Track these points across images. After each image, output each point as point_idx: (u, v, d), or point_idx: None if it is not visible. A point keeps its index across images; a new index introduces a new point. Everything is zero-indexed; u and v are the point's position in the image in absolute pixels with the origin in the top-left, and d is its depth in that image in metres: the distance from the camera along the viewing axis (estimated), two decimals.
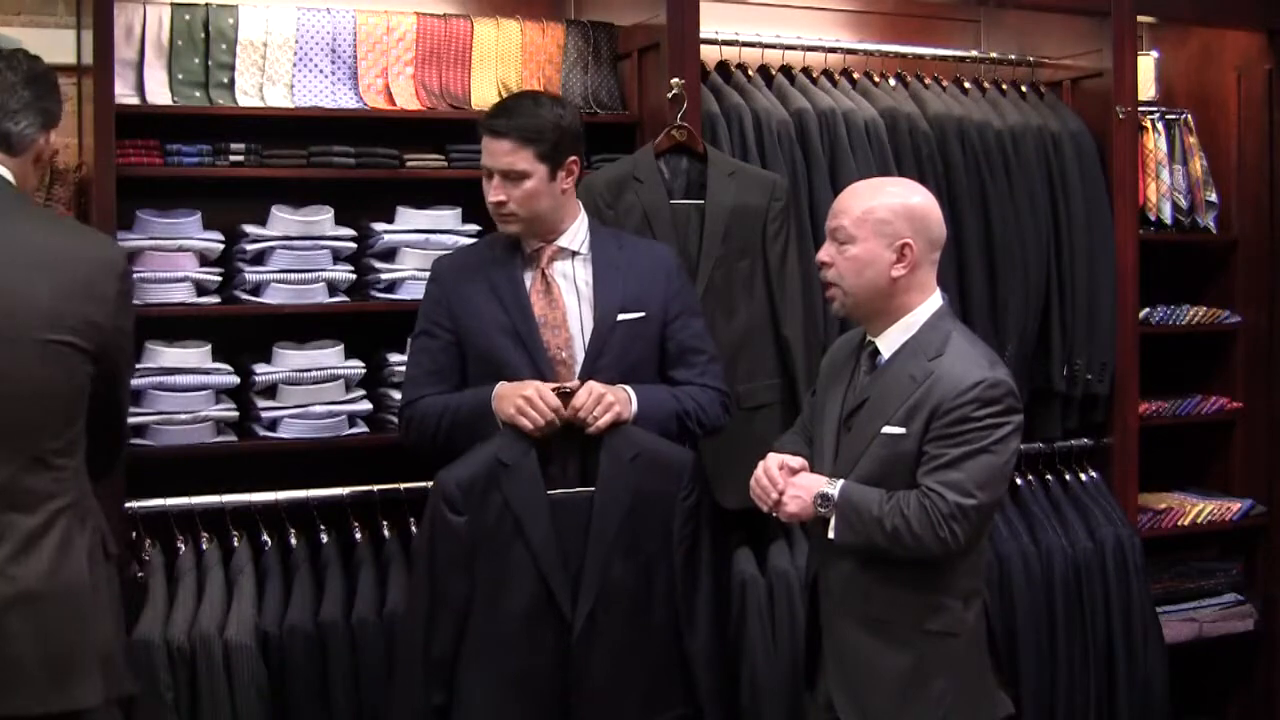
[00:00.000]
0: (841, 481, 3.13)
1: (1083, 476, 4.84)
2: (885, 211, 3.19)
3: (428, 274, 3.80)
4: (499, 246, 3.62)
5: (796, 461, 3.27)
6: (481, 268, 3.57)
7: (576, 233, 3.58)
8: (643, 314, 3.54)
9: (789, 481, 3.21)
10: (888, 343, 3.23)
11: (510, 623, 3.28)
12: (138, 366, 3.77)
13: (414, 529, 3.92)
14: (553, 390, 3.32)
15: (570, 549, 3.31)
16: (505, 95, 3.71)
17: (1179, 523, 5.13)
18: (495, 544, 3.28)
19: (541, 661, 3.30)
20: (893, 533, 3.05)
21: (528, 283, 3.53)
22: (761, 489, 3.24)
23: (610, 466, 3.35)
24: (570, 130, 3.53)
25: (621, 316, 3.52)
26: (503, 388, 3.39)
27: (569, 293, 3.53)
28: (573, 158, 3.53)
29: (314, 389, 3.98)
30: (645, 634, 3.39)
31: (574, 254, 3.57)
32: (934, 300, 3.25)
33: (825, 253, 3.25)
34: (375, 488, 3.97)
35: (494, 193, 3.48)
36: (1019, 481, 4.70)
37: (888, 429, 3.15)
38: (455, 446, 3.43)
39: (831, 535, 3.12)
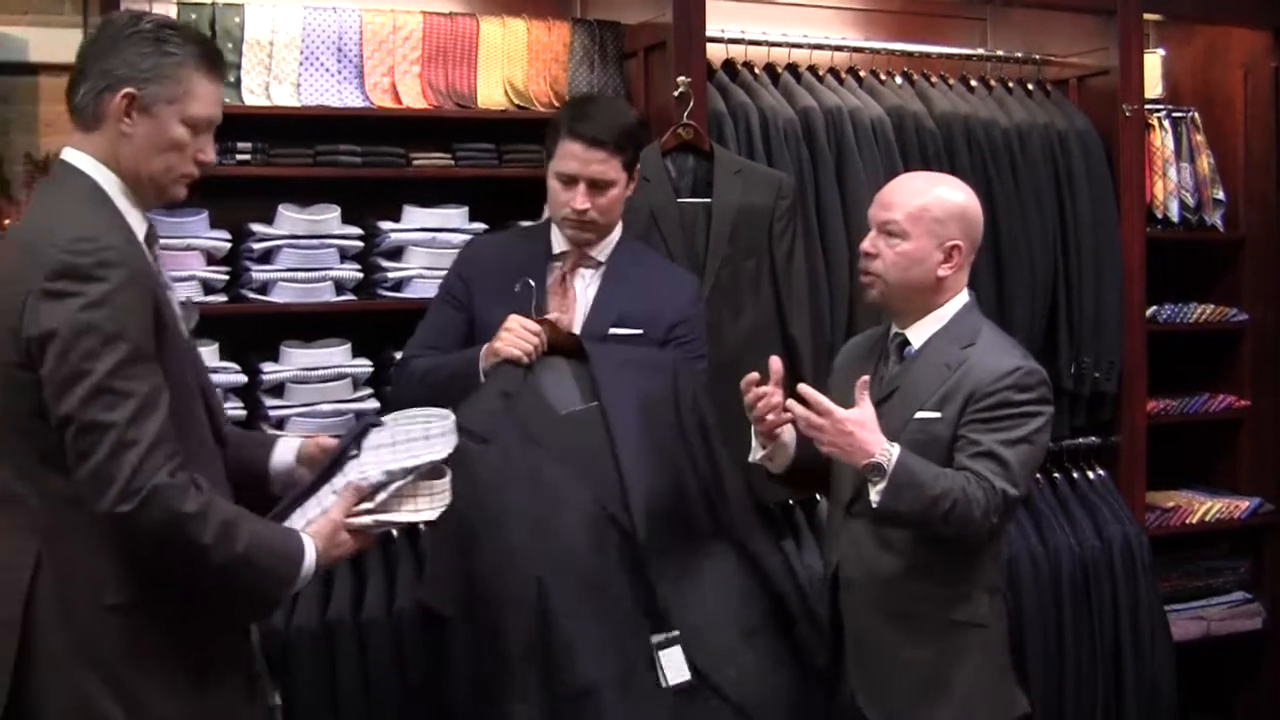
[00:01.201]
0: (897, 449, 2.98)
1: (1090, 475, 4.85)
2: (940, 211, 3.19)
3: (435, 272, 3.84)
4: (530, 239, 3.61)
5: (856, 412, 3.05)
6: (510, 257, 3.55)
7: (609, 243, 3.56)
8: (639, 331, 3.49)
9: (842, 427, 2.97)
10: (918, 333, 3.23)
11: (569, 544, 3.12)
12: None
13: (422, 527, 3.92)
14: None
15: (598, 465, 3.20)
16: (577, 97, 3.65)
17: (1187, 521, 5.13)
18: (528, 475, 3.16)
19: (612, 572, 3.15)
20: (949, 510, 2.94)
21: (549, 282, 3.51)
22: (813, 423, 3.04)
23: (605, 375, 3.28)
24: (643, 138, 3.52)
25: (613, 330, 3.48)
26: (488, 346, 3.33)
27: (582, 299, 3.52)
28: (638, 166, 3.54)
29: (321, 387, 3.98)
30: (698, 537, 3.30)
31: (598, 263, 3.55)
32: (964, 295, 3.26)
33: (871, 243, 3.22)
34: None
35: (579, 200, 3.41)
36: None
37: (921, 414, 3.13)
38: (436, 405, 3.39)
39: (875, 500, 2.96)
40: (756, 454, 3.29)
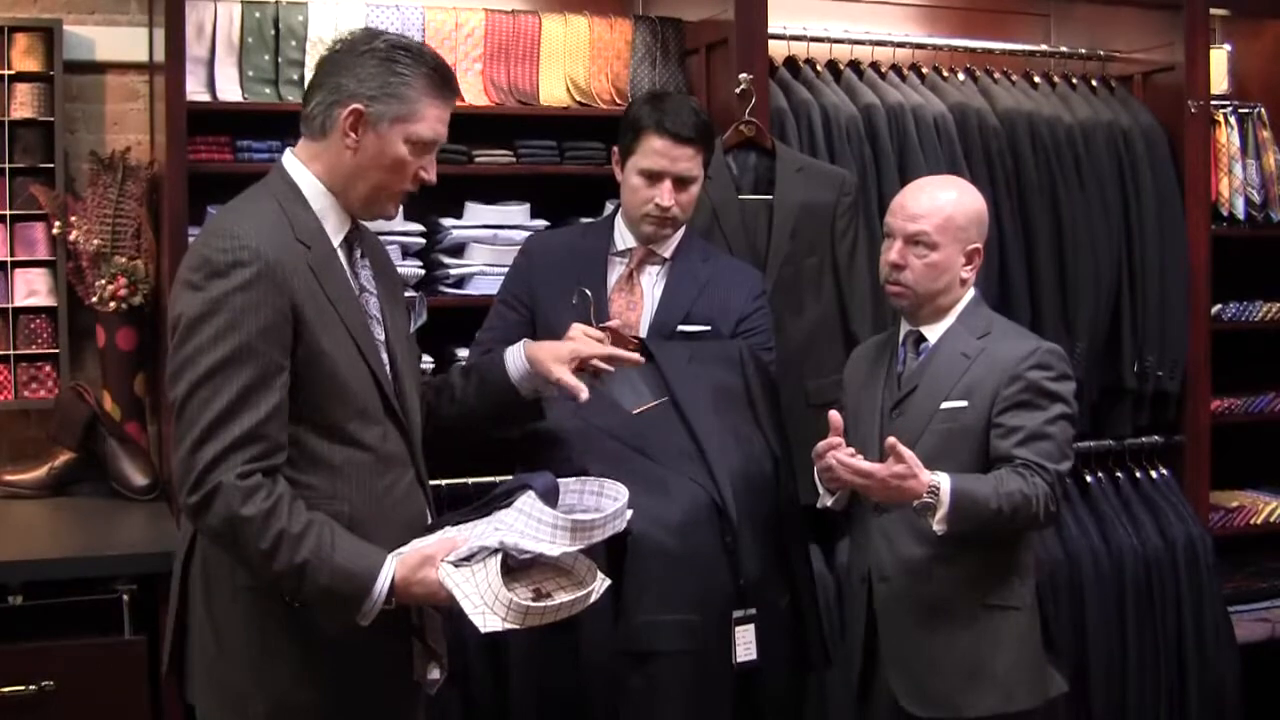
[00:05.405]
0: (945, 479, 3.03)
1: (1153, 474, 4.81)
2: (963, 218, 3.28)
3: (496, 268, 3.84)
4: (592, 236, 3.61)
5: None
6: (572, 254, 3.55)
7: (674, 240, 3.56)
8: (707, 327, 3.49)
9: (886, 483, 3.04)
10: (933, 330, 3.33)
11: (672, 531, 3.10)
12: None
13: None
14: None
15: (678, 453, 3.21)
16: (652, 93, 3.68)
17: (1251, 521, 5.08)
18: (616, 462, 3.11)
19: (710, 548, 3.15)
20: (1013, 512, 3.05)
21: (612, 280, 3.52)
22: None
23: (674, 370, 3.30)
24: (715, 134, 3.54)
25: (682, 327, 3.48)
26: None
27: (648, 296, 3.52)
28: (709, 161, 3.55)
29: None
30: (765, 512, 3.29)
31: (663, 260, 3.54)
32: (971, 290, 3.36)
33: (900, 255, 3.28)
34: (444, 482, 3.96)
35: (665, 197, 3.41)
36: (1089, 479, 4.69)
37: (947, 404, 3.22)
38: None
39: (939, 530, 3.04)
40: (826, 500, 3.33)
